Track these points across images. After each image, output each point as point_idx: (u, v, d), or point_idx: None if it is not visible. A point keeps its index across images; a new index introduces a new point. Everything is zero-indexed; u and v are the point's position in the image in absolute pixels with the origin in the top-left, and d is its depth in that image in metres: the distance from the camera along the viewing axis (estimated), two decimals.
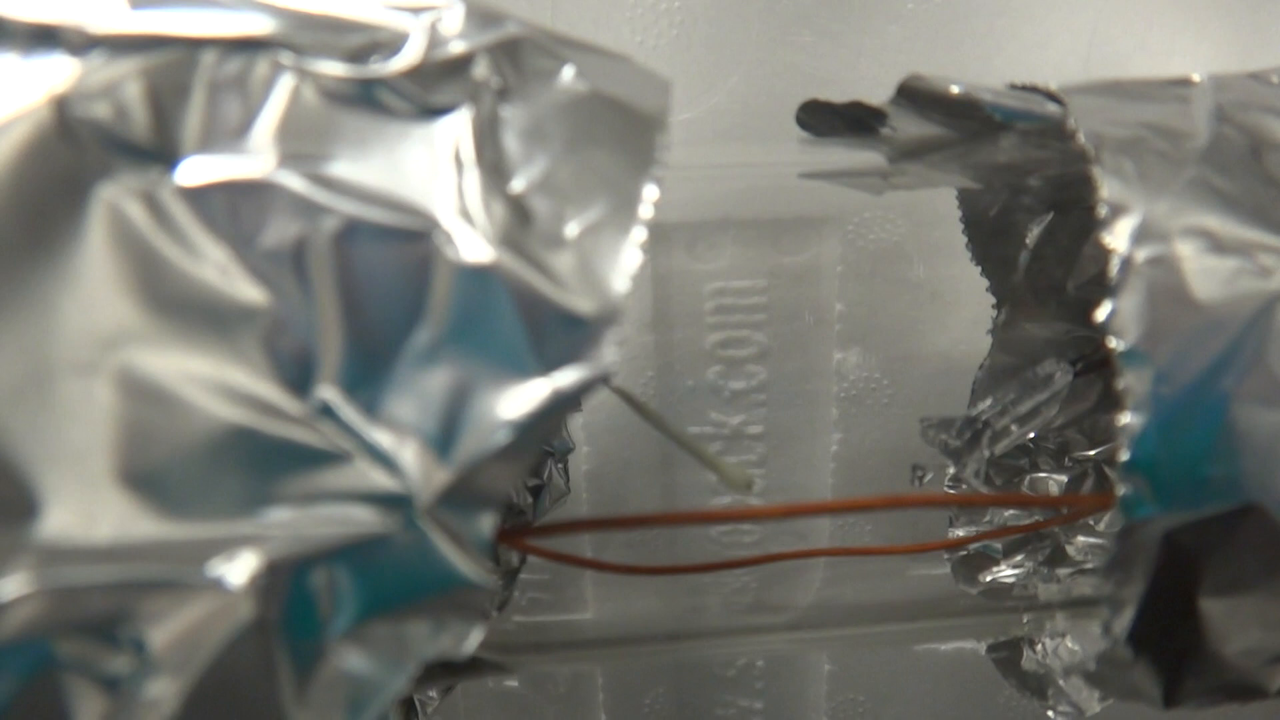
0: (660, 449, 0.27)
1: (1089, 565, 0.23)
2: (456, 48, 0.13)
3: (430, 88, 0.13)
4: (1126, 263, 0.13)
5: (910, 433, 0.26)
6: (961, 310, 0.26)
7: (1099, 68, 0.27)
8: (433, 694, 0.21)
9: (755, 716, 0.30)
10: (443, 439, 0.12)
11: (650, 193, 0.12)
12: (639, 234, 0.12)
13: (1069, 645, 0.23)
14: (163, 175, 0.12)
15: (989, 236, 0.24)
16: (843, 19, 0.26)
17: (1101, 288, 0.13)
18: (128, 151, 0.12)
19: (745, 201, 0.26)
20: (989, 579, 0.24)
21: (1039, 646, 0.23)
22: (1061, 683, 0.22)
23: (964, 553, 0.24)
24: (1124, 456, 0.12)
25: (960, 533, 0.25)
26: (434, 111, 0.13)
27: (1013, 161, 0.20)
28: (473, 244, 0.12)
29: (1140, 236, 0.13)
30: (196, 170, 0.12)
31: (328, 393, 0.12)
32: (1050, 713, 0.22)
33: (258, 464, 0.12)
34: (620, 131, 0.13)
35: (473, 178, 0.12)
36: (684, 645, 0.22)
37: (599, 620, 0.27)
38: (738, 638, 0.23)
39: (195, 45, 0.12)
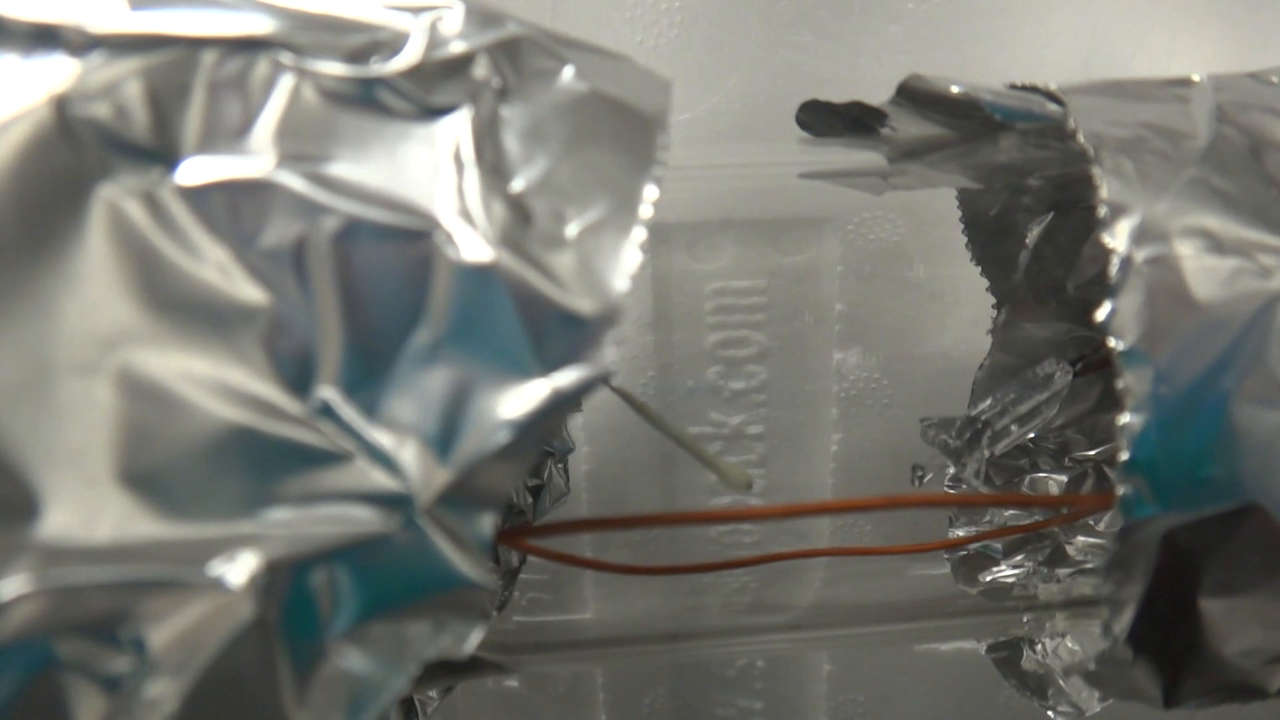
0: (660, 449, 0.27)
1: (1089, 565, 0.23)
2: (456, 48, 0.13)
3: (430, 88, 0.13)
4: (1126, 263, 0.13)
5: (910, 433, 0.26)
6: (961, 310, 0.26)
7: (1099, 68, 0.27)
8: (433, 694, 0.21)
9: (755, 716, 0.30)
10: (443, 439, 0.12)
11: (650, 193, 0.12)
12: (639, 234, 0.12)
13: (1069, 645, 0.23)
14: (163, 175, 0.12)
15: (989, 236, 0.24)
16: (843, 19, 0.26)
17: (1101, 288, 0.13)
18: (128, 151, 0.12)
19: (745, 201, 0.26)
20: (989, 579, 0.24)
21: (1039, 646, 0.23)
22: (1061, 683, 0.22)
23: (964, 553, 0.24)
24: (1124, 456, 0.12)
25: (960, 533, 0.25)
26: (434, 111, 0.13)
27: (1013, 161, 0.20)
28: (473, 244, 0.12)
29: (1140, 236, 0.13)
30: (196, 170, 0.12)
31: (328, 393, 0.12)
32: (1050, 713, 0.22)
33: (258, 464, 0.12)
34: (620, 131, 0.13)
35: (473, 178, 0.12)
36: (684, 645, 0.22)
37: (599, 620, 0.27)
38: (738, 638, 0.23)
39: (195, 45, 0.12)
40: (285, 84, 0.12)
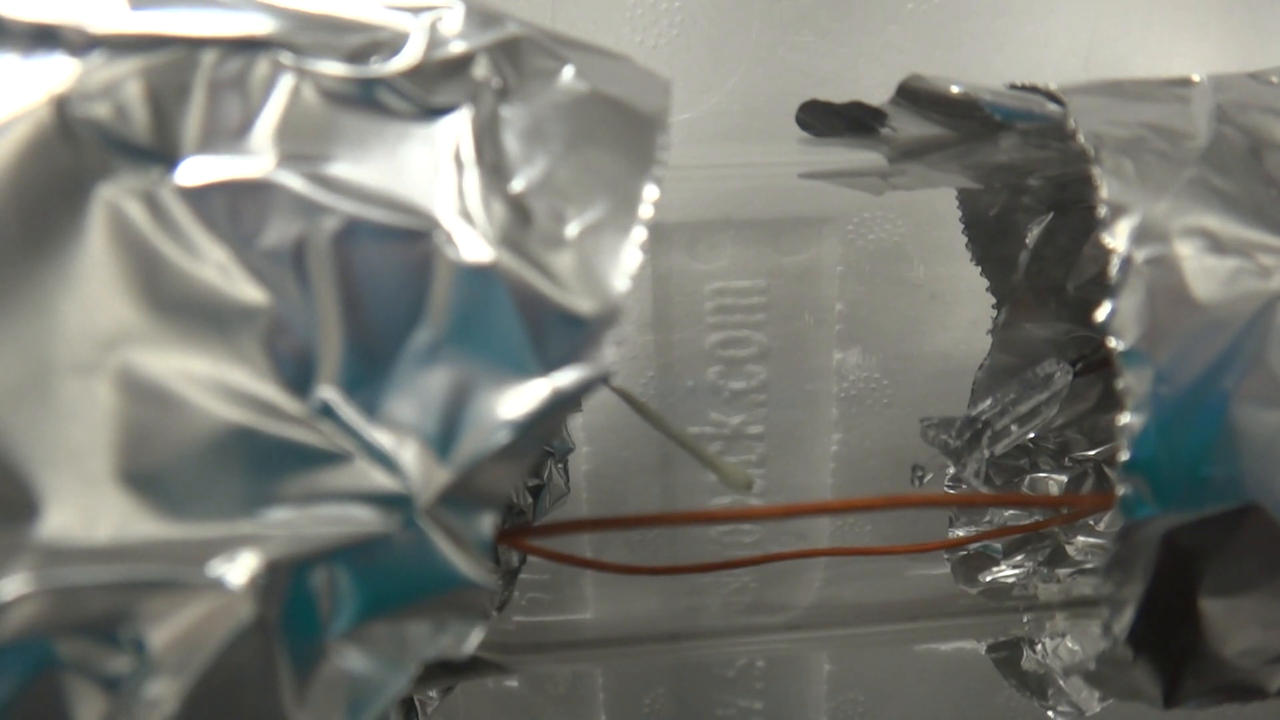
0: (660, 449, 0.27)
1: (1089, 565, 0.23)
2: (456, 48, 0.13)
3: (430, 88, 0.13)
4: (1126, 263, 0.13)
5: (910, 433, 0.26)
6: (961, 310, 0.26)
7: (1099, 68, 0.27)
8: (433, 694, 0.21)
9: (755, 716, 0.30)
10: (443, 439, 0.12)
11: (650, 193, 0.12)
12: (639, 234, 0.12)
13: (1069, 645, 0.23)
14: (163, 175, 0.12)
15: (989, 236, 0.24)
16: (843, 19, 0.26)
17: (1101, 288, 0.13)
18: (128, 151, 0.12)
19: (745, 201, 0.26)
20: (989, 579, 0.24)
21: (1039, 646, 0.23)
22: (1061, 683, 0.22)
23: (964, 553, 0.24)
24: (1124, 456, 0.12)
25: (960, 533, 0.25)
26: (434, 111, 0.13)
27: (1013, 161, 0.20)
28: (473, 244, 0.12)
29: (1140, 236, 0.13)
30: (196, 170, 0.12)
31: (328, 392, 0.12)
32: (1050, 713, 0.22)
33: (258, 464, 0.12)
34: (620, 131, 0.13)
35: (473, 178, 0.12)
36: (684, 645, 0.22)
37: (599, 620, 0.27)
38: (738, 638, 0.23)
39: (195, 45, 0.12)
40: (285, 84, 0.12)
